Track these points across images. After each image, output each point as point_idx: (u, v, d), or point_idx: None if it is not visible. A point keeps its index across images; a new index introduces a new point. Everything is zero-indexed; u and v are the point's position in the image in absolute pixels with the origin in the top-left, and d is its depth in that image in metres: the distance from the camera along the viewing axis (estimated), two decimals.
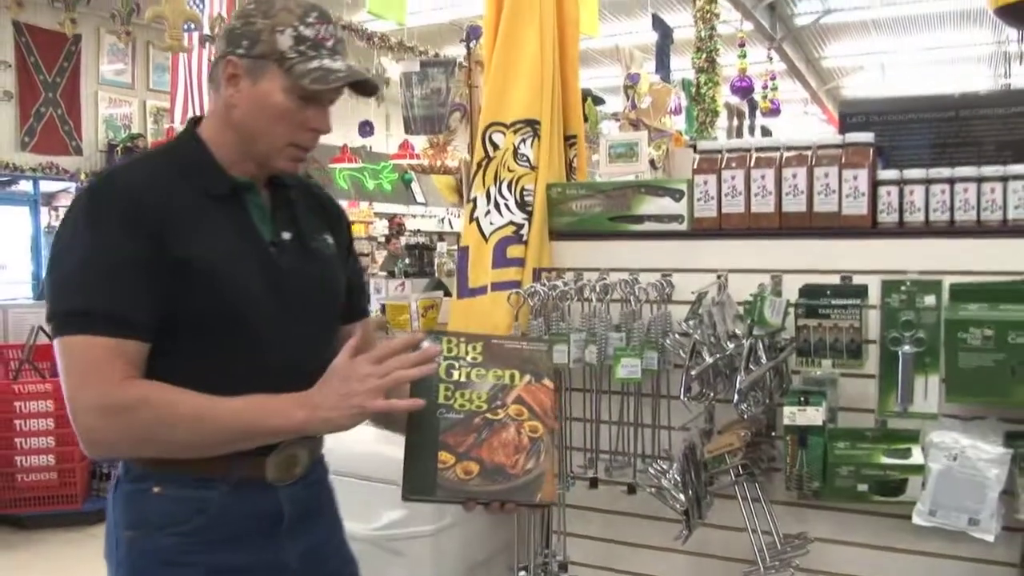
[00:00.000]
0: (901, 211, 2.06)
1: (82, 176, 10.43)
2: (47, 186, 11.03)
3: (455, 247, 9.63)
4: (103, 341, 1.36)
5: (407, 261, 8.42)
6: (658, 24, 10.04)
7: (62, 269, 1.42)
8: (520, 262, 2.39)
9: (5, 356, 5.43)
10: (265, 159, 1.52)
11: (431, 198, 14.74)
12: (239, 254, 1.50)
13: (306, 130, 1.52)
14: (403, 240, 11.31)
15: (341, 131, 11.60)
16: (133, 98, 11.79)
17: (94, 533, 5.06)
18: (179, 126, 8.86)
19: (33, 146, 10.48)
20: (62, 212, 9.53)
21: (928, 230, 2.04)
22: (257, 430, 1.42)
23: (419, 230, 14.13)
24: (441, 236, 13.52)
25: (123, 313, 1.37)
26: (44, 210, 11.02)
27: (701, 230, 2.26)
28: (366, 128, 11.54)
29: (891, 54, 14.50)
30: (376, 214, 14.15)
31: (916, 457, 1.88)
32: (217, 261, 1.45)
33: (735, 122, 11.59)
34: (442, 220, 15.58)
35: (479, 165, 2.47)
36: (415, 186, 14.52)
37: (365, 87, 1.54)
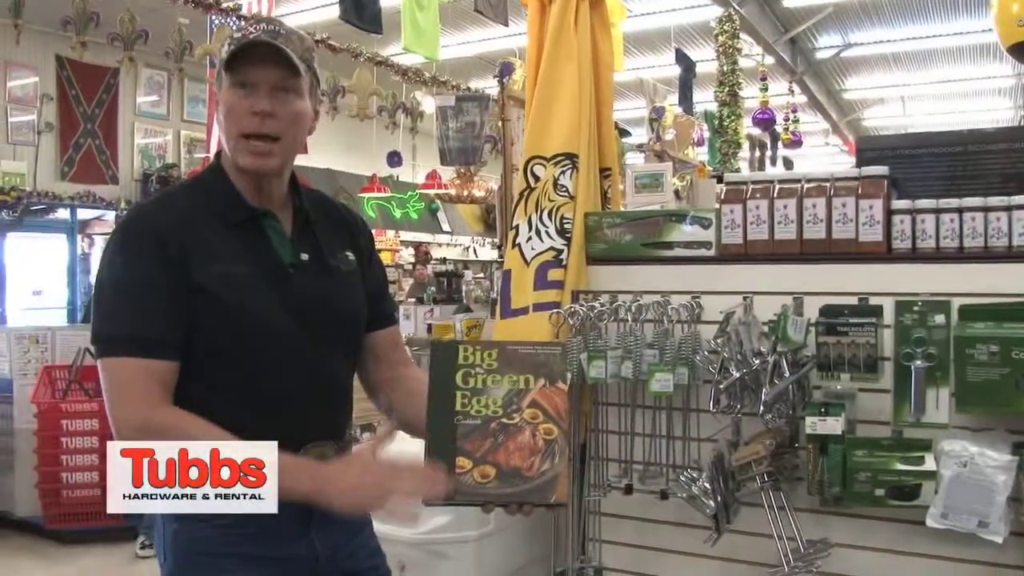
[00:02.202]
0: (914, 238, 2.22)
1: (122, 204, 10.68)
2: (83, 214, 11.31)
3: (481, 275, 9.78)
4: (137, 362, 1.51)
5: (432, 289, 8.58)
6: (681, 58, 10.24)
7: (101, 297, 1.58)
8: (560, 284, 2.56)
9: (53, 376, 5.58)
10: (235, 160, 1.61)
11: (456, 227, 14.90)
12: (256, 277, 1.61)
13: (250, 115, 1.56)
14: (430, 268, 11.47)
15: (369, 161, 11.88)
16: (168, 129, 12.13)
17: (135, 548, 5.21)
18: (214, 155, 9.15)
19: (72, 175, 10.81)
20: (96, 239, 9.72)
21: (939, 255, 2.19)
22: None
23: (445, 258, 14.28)
24: (466, 264, 13.70)
25: (154, 336, 1.52)
26: (78, 237, 11.31)
27: (728, 255, 2.43)
28: (394, 158, 11.74)
29: (911, 87, 14.60)
30: (402, 242, 14.32)
31: (929, 464, 2.02)
32: (234, 285, 1.57)
33: (757, 153, 11.76)
34: (467, 248, 15.73)
35: (521, 195, 2.64)
36: (441, 215, 14.68)
37: (278, 53, 1.56)
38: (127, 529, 5.29)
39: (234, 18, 6.16)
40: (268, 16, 1.67)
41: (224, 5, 6.19)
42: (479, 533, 2.52)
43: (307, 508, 1.61)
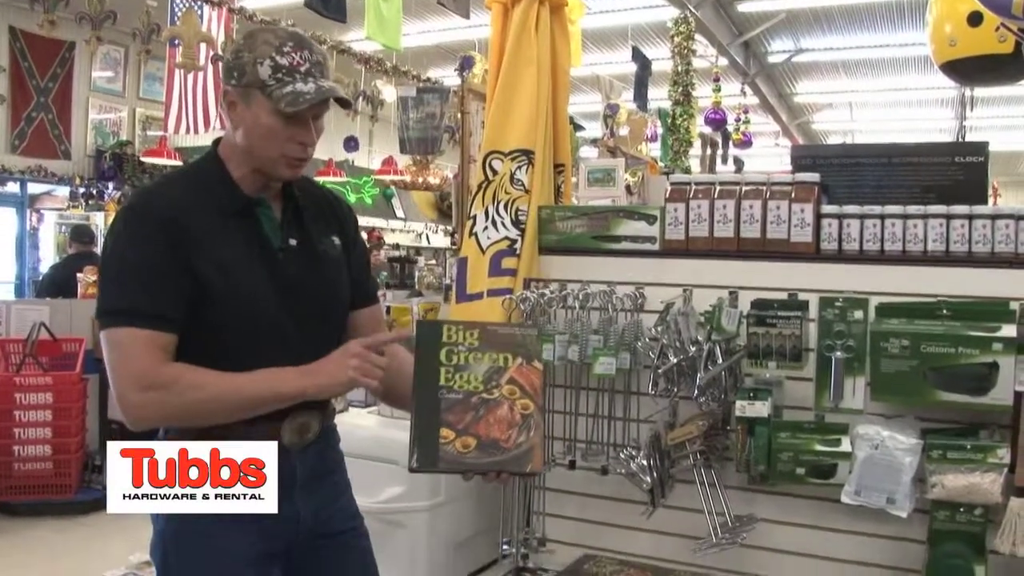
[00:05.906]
0: (840, 240, 2.40)
1: (76, 180, 10.57)
2: (33, 188, 11.17)
3: (433, 261, 9.85)
4: (143, 333, 1.61)
5: (385, 274, 8.65)
6: (637, 56, 10.40)
7: (108, 274, 1.69)
8: (513, 272, 2.70)
9: (7, 350, 5.59)
10: (267, 169, 1.75)
11: (410, 213, 14.92)
12: (249, 262, 1.72)
13: (294, 143, 1.71)
14: (383, 254, 11.50)
15: (326, 146, 11.85)
16: (123, 106, 11.97)
17: (84, 522, 5.24)
18: (171, 135, 9.10)
19: (23, 149, 10.64)
20: (45, 215, 9.64)
21: (861, 257, 2.38)
22: (268, 396, 1.66)
23: (398, 244, 14.33)
24: (418, 251, 13.76)
25: (159, 310, 1.63)
26: (27, 212, 11.16)
27: (670, 250, 2.59)
28: (351, 143, 11.75)
29: (859, 93, 14.95)
30: None
31: (845, 446, 2.21)
32: (228, 269, 1.69)
33: (708, 151, 11.99)
34: (420, 235, 15.76)
35: (479, 187, 2.79)
36: (395, 201, 14.72)
37: (339, 101, 1.73)
38: (78, 503, 5.37)
39: (199, 2, 6.18)
40: (297, 33, 1.78)
41: None
42: (431, 504, 2.65)
43: (292, 473, 1.75)
